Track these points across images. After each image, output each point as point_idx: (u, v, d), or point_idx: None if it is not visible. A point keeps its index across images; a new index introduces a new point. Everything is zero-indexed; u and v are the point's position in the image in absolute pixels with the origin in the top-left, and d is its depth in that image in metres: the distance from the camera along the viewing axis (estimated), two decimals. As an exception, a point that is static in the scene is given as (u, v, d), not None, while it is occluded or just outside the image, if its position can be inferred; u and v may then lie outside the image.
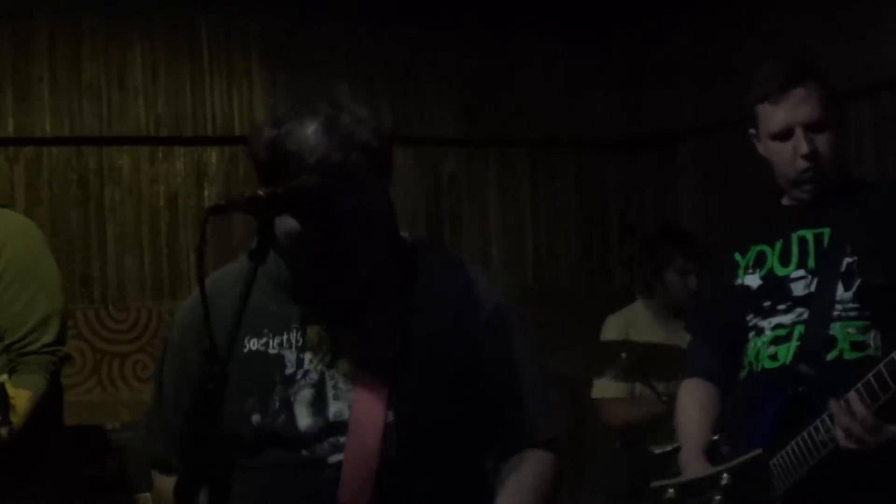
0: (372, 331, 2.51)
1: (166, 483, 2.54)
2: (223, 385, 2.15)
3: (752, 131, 3.55)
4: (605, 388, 5.74)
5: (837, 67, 5.41)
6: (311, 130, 2.41)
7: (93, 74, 6.52)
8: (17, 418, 3.49)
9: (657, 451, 3.61)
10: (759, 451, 3.27)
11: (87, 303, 6.44)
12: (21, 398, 3.82)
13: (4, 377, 3.66)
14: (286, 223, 2.41)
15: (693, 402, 3.69)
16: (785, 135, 3.43)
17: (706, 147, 6.96)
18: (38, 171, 6.47)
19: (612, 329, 5.86)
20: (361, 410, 2.47)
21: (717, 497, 3.32)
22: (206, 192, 6.66)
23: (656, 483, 3.50)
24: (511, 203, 7.18)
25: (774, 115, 3.43)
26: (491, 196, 7.15)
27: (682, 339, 4.19)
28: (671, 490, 3.47)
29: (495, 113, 7.12)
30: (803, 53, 5.85)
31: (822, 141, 3.42)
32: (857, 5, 5.88)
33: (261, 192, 2.29)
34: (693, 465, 3.54)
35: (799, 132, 3.40)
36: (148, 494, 4.97)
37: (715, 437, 3.55)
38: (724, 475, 3.32)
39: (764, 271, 3.53)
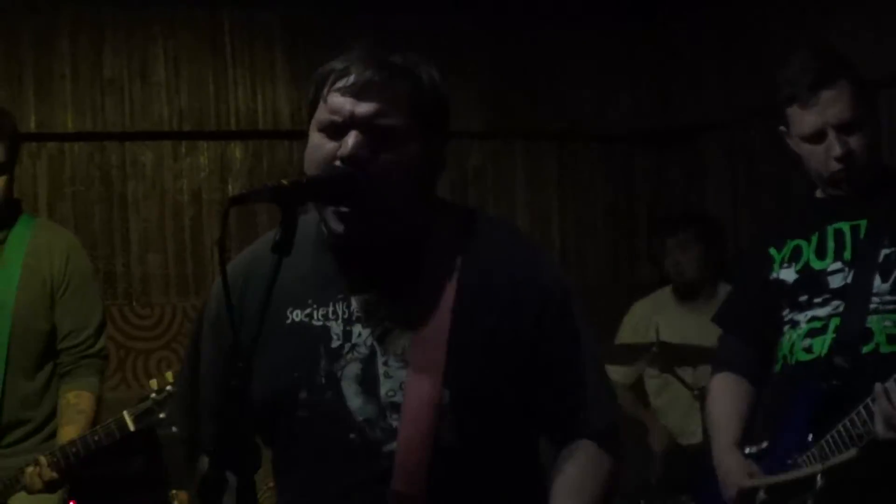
0: (425, 305, 2.39)
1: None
2: (248, 380, 2.08)
3: (782, 129, 3.49)
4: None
5: (865, 55, 5.33)
6: (357, 55, 2.39)
7: (115, 69, 6.50)
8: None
9: (747, 450, 3.53)
10: (854, 452, 3.19)
11: (111, 300, 6.40)
12: (86, 400, 4.30)
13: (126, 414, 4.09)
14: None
15: (724, 396, 3.65)
16: (817, 137, 3.37)
17: (734, 139, 6.90)
18: (60, 167, 6.45)
19: (636, 315, 6.03)
20: (415, 391, 2.35)
21: (811, 500, 3.25)
22: (229, 187, 6.63)
23: (747, 483, 3.43)
24: (537, 197, 7.13)
25: (805, 119, 3.37)
26: (517, 190, 7.11)
27: (705, 320, 4.15)
28: (762, 493, 3.39)
29: (521, 106, 7.08)
30: (830, 43, 5.81)
31: (855, 140, 3.35)
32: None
33: (285, 182, 2.23)
34: (726, 458, 3.51)
35: (831, 134, 3.34)
36: (174, 492, 4.97)
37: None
38: (819, 477, 3.24)
39: (800, 265, 3.48)
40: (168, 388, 4.02)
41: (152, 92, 6.54)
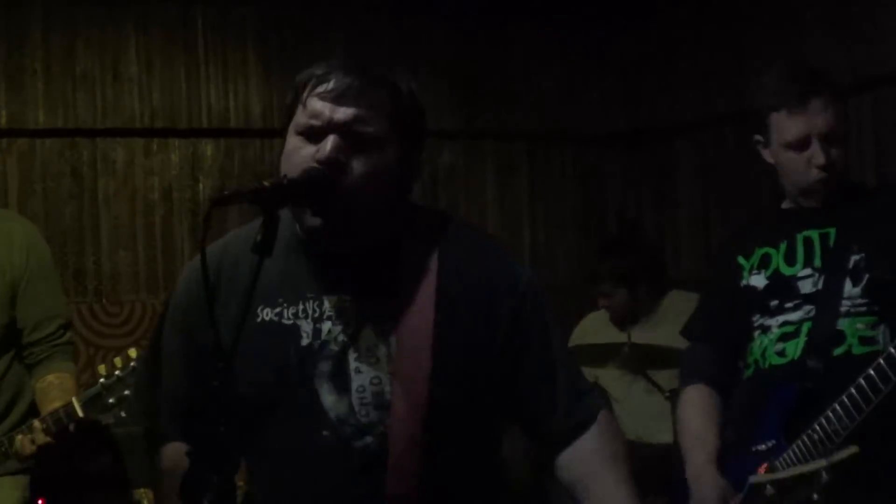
0: (405, 308, 2.41)
1: (171, 451, 2.50)
2: (229, 382, 2.09)
3: (757, 138, 3.53)
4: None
5: (837, 62, 5.38)
6: (337, 62, 2.41)
7: (87, 65, 6.47)
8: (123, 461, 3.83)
9: (753, 480, 3.54)
10: (855, 448, 3.21)
11: (81, 297, 6.38)
12: (68, 381, 4.21)
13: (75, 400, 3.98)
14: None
15: (697, 409, 3.66)
16: (801, 145, 3.42)
17: (704, 142, 6.93)
18: (31, 164, 6.42)
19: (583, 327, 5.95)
20: (402, 395, 2.38)
21: (816, 496, 3.26)
22: (200, 185, 6.62)
23: (755, 478, 3.44)
24: (508, 197, 7.15)
25: (792, 125, 3.42)
26: (488, 189, 7.12)
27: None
28: (769, 486, 3.40)
29: (493, 106, 7.09)
30: (803, 49, 5.86)
31: (836, 152, 3.41)
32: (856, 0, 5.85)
33: (266, 183, 2.24)
34: (704, 475, 3.50)
35: (815, 143, 3.40)
36: (143, 490, 4.95)
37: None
38: (824, 473, 3.27)
39: (770, 271, 3.52)
40: (117, 372, 3.95)
41: (124, 89, 6.52)
